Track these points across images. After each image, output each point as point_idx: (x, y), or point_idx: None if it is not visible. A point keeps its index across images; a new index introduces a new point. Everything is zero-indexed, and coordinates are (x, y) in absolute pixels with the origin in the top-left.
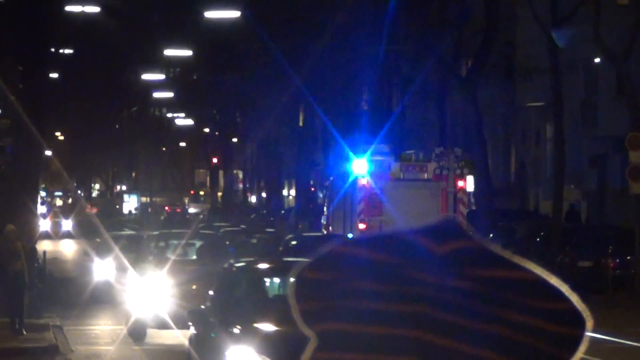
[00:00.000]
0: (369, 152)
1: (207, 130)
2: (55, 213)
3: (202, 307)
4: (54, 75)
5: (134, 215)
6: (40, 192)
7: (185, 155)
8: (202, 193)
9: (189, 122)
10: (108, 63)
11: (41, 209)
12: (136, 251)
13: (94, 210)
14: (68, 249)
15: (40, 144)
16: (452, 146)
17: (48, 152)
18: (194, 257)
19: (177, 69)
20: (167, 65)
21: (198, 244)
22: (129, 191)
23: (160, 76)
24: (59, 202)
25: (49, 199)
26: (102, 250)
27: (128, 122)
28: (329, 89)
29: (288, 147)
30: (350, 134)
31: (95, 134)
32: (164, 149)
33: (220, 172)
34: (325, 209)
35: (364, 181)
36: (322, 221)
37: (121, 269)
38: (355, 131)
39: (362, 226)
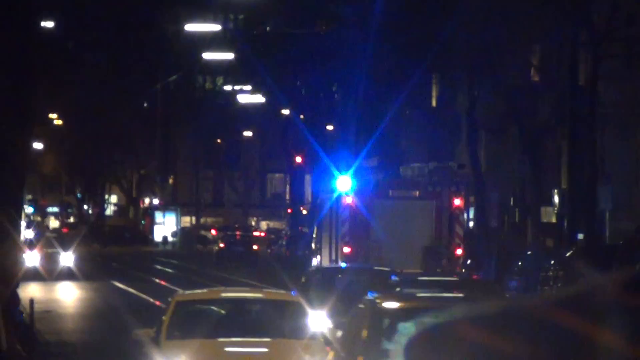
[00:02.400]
0: (353, 168)
1: (286, 112)
2: (48, 240)
3: None
4: (48, 24)
5: (172, 244)
6: (26, 207)
7: (253, 152)
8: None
9: (258, 99)
10: (134, 6)
11: (27, 233)
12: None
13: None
14: (68, 296)
15: (25, 132)
16: (448, 160)
17: (38, 145)
18: None
19: (240, 16)
20: (224, 10)
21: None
22: (164, 207)
23: (214, 27)
24: (54, 223)
25: (39, 218)
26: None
27: (164, 99)
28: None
29: (413, 137)
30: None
31: (112, 117)
32: (219, 141)
33: (307, 178)
34: (315, 232)
35: (349, 199)
36: (312, 246)
37: None
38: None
39: (346, 250)
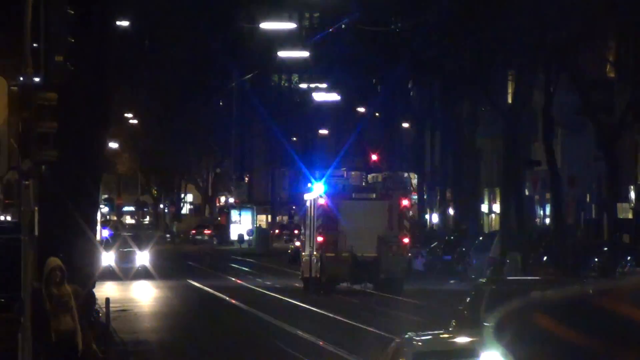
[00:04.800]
0: (326, 176)
1: (362, 109)
2: (124, 239)
3: None
4: (123, 22)
5: (247, 242)
6: (102, 206)
7: (329, 149)
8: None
9: (334, 97)
10: (209, 4)
11: (103, 232)
12: None
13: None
14: (144, 295)
15: (101, 132)
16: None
17: (114, 144)
18: None
19: (316, 13)
20: (299, 8)
21: None
22: (240, 205)
23: (290, 25)
24: (129, 222)
25: (115, 217)
26: None
27: (239, 97)
28: None
29: (489, 135)
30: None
31: (186, 116)
32: (294, 139)
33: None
34: (302, 230)
35: (322, 201)
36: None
37: None
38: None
39: (320, 239)
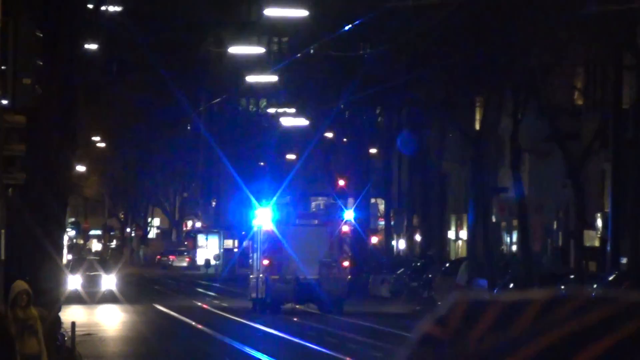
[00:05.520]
0: (272, 202)
1: (329, 135)
2: (91, 263)
3: None
4: (92, 46)
5: (213, 267)
6: (68, 229)
7: (296, 174)
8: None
9: (302, 122)
10: (177, 28)
11: (69, 256)
12: None
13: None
14: (110, 319)
15: (68, 155)
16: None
17: (81, 168)
18: None
19: (284, 38)
20: (268, 32)
21: None
22: (207, 229)
23: (258, 49)
24: (96, 246)
25: (82, 241)
26: None
27: (206, 122)
28: None
29: (456, 161)
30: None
31: (154, 140)
32: (262, 164)
33: (350, 201)
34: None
35: (268, 226)
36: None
37: None
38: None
39: (265, 262)
